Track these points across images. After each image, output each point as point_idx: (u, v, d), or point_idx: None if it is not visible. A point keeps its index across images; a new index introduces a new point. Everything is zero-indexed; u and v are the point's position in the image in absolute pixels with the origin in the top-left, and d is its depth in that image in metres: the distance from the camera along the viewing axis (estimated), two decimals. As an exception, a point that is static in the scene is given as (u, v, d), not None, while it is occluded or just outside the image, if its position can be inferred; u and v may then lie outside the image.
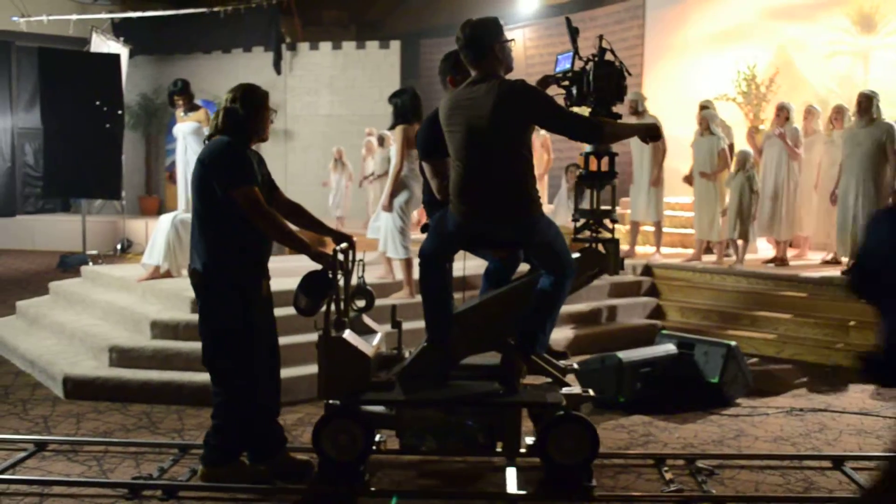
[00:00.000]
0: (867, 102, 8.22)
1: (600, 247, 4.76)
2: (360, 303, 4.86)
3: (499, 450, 4.42)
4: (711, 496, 4.38)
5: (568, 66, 4.71)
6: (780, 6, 12.35)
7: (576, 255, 4.68)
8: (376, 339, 4.68)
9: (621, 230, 11.06)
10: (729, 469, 4.80)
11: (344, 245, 4.47)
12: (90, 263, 10.97)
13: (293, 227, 4.43)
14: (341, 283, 4.38)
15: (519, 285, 4.65)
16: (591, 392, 4.66)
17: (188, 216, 7.91)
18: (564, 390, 4.45)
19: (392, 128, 7.52)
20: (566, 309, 8.31)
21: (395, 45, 17.57)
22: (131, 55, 16.18)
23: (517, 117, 4.23)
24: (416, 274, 7.24)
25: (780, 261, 9.11)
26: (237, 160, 4.23)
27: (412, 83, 15.22)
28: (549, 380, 4.55)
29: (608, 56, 4.63)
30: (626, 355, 6.02)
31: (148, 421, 5.56)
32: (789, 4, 12.26)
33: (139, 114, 18.21)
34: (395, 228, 7.41)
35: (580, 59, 4.65)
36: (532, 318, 4.44)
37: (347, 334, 4.34)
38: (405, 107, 7.21)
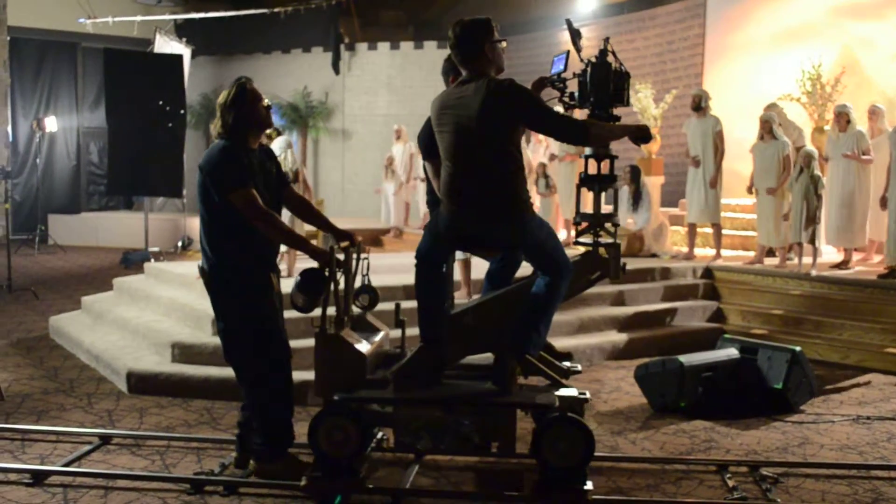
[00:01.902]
0: None
1: (602, 251, 4.72)
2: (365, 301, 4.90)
3: (494, 450, 4.40)
4: (776, 505, 4.29)
5: (562, 67, 4.67)
6: (847, 4, 12.06)
7: (576, 258, 4.67)
8: (378, 337, 4.70)
9: (680, 232, 10.95)
10: (794, 477, 4.70)
11: (345, 243, 4.52)
12: (152, 260, 11.17)
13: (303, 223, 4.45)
14: (342, 281, 4.42)
15: (516, 288, 4.63)
16: (587, 394, 4.60)
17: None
18: (559, 392, 4.40)
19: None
20: (624, 311, 8.26)
21: (453, 44, 17.54)
22: (193, 55, 16.45)
23: (505, 117, 4.20)
24: (474, 275, 7.28)
25: (847, 266, 8.88)
26: (231, 164, 4.27)
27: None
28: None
29: (612, 59, 4.59)
30: (687, 359, 5.93)
31: (209, 416, 5.63)
32: (857, 2, 11.98)
33: (200, 113, 18.49)
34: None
35: (581, 60, 4.61)
36: (526, 319, 4.41)
37: (345, 332, 4.37)
38: None
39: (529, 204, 4.34)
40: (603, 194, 4.68)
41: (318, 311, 4.31)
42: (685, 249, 10.19)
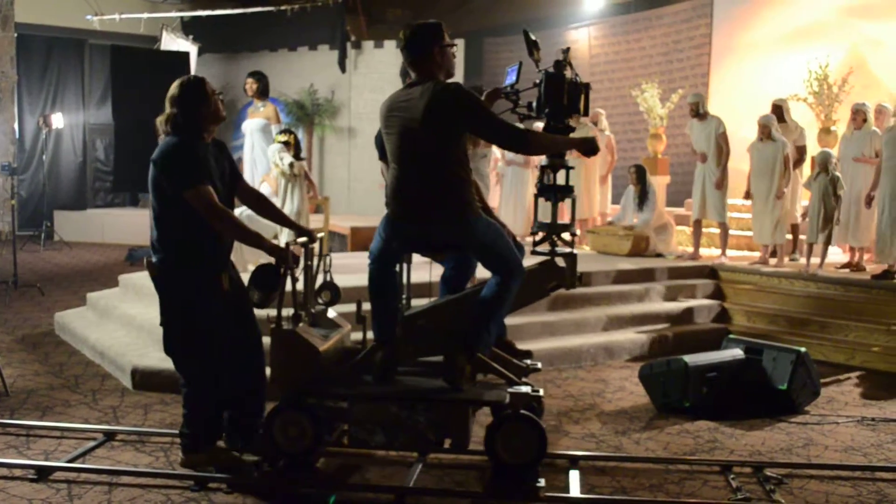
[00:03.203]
0: None
1: (559, 260, 4.76)
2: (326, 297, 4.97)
3: (447, 446, 4.43)
4: (780, 506, 4.29)
5: (514, 79, 4.73)
6: (856, 3, 12.01)
7: (534, 266, 4.74)
8: (339, 333, 4.73)
9: (685, 231, 10.94)
10: (798, 478, 4.69)
11: (303, 239, 4.56)
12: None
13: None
14: (300, 277, 4.49)
15: (470, 293, 4.68)
16: (541, 392, 4.62)
17: (248, 212, 8.01)
18: (511, 389, 4.41)
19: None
20: (628, 311, 8.25)
21: (459, 43, 17.53)
22: (200, 53, 16.44)
23: (449, 120, 4.23)
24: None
25: (855, 266, 8.86)
26: (186, 160, 4.26)
27: (476, 81, 15.20)
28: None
29: (569, 70, 4.64)
30: (692, 359, 5.93)
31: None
32: (867, 2, 11.92)
33: (206, 110, 18.47)
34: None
35: (538, 70, 4.63)
36: (476, 318, 4.45)
37: (301, 328, 4.40)
38: None
39: (475, 205, 4.39)
40: (560, 203, 4.74)
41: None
42: (690, 249, 10.18)
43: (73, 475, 4.47)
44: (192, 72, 14.54)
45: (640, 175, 10.41)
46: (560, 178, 4.76)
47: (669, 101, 12.05)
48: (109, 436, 5.08)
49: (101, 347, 6.91)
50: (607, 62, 15.57)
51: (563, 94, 4.55)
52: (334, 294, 4.99)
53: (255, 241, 4.37)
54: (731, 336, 6.74)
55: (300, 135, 17.59)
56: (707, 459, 4.97)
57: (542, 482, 4.25)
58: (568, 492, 4.36)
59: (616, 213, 10.87)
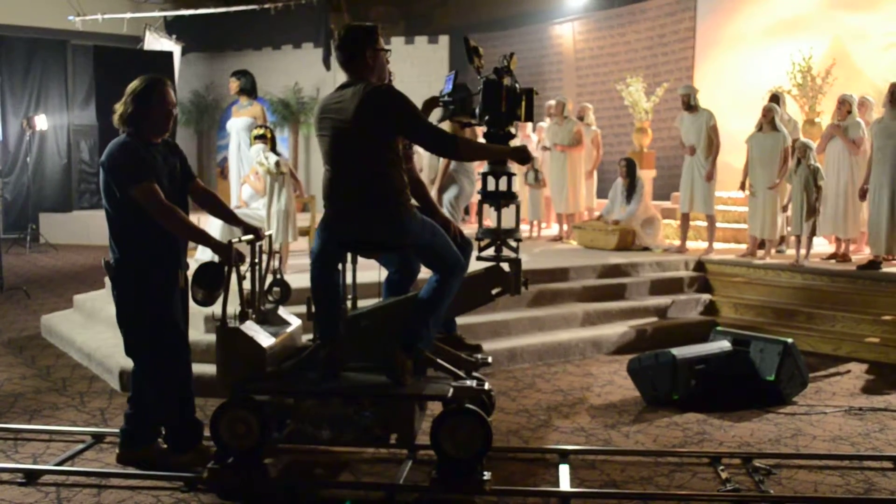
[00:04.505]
0: None
1: (504, 266, 4.80)
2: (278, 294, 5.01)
3: (393, 441, 4.46)
4: (769, 496, 4.31)
5: (449, 87, 4.76)
6: (839, -5, 12.09)
7: (479, 272, 4.79)
8: (289, 330, 4.77)
9: (672, 225, 10.97)
10: (787, 469, 4.72)
11: (249, 237, 4.60)
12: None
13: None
14: (247, 275, 4.53)
15: (413, 295, 4.70)
16: (487, 386, 4.64)
17: (241, 211, 7.99)
18: (455, 383, 4.43)
19: (440, 122, 7.50)
20: (616, 305, 8.27)
21: (444, 39, 17.56)
22: (183, 52, 16.39)
23: (379, 121, 4.24)
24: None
25: (841, 257, 8.90)
26: (131, 159, 4.30)
27: (462, 78, 15.15)
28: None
29: (508, 78, 4.65)
30: (680, 352, 5.95)
31: (201, 414, 5.58)
32: (850, -6, 12.00)
33: (191, 110, 18.42)
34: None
35: (479, 77, 4.65)
36: (415, 315, 4.49)
37: (246, 325, 4.43)
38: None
39: (409, 205, 4.40)
40: (504, 210, 4.75)
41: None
42: (677, 242, 10.21)
43: (61, 478, 4.45)
44: (176, 71, 14.51)
45: (630, 168, 10.44)
46: (503, 184, 4.79)
47: (654, 95, 12.07)
48: (98, 438, 5.06)
49: (88, 349, 6.88)
50: (592, 57, 15.59)
51: (502, 101, 4.57)
52: (285, 291, 5.03)
53: (202, 238, 4.45)
54: (719, 328, 6.77)
55: (286, 133, 17.60)
56: (696, 451, 4.99)
57: (487, 475, 4.27)
58: (558, 486, 4.37)
59: (604, 207, 10.89)
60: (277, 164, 7.82)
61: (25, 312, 9.14)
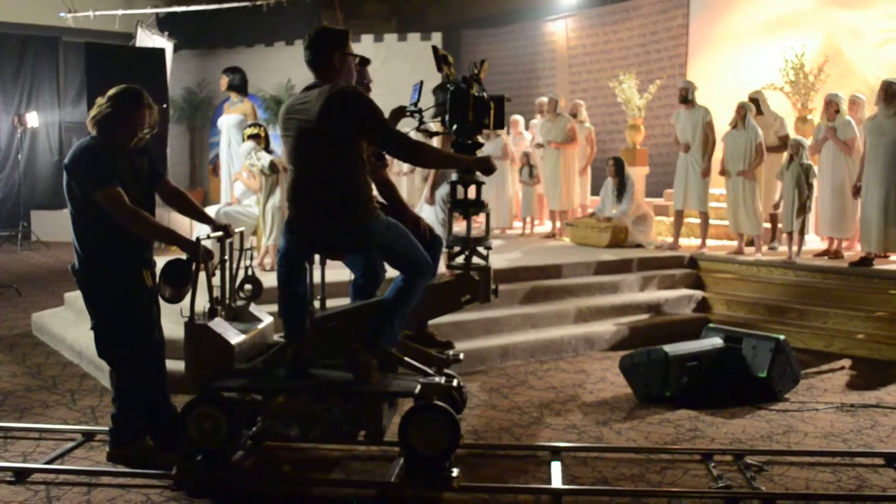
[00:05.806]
0: (893, 90, 7.98)
1: (473, 273, 4.81)
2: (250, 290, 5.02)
3: (361, 438, 4.46)
4: (761, 493, 4.30)
5: (416, 97, 4.78)
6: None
7: (450, 278, 4.81)
8: (259, 327, 4.76)
9: (665, 222, 10.97)
10: (778, 465, 4.72)
11: (218, 234, 4.61)
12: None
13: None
14: (216, 272, 4.55)
15: (381, 299, 4.70)
16: (455, 382, 4.64)
17: (233, 208, 7.97)
18: (422, 380, 4.44)
19: (413, 131, 7.51)
20: (609, 301, 8.27)
21: (437, 36, 17.54)
22: (175, 49, 16.30)
23: (343, 122, 4.23)
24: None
25: (834, 254, 8.91)
26: (94, 162, 4.31)
27: (456, 74, 15.14)
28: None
29: (477, 86, 4.68)
30: (672, 349, 5.95)
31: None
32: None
33: (183, 107, 18.38)
34: (438, 221, 7.39)
35: (448, 86, 4.66)
36: (380, 314, 4.49)
37: (215, 322, 4.42)
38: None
39: (372, 207, 4.39)
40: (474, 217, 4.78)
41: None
42: (670, 239, 10.21)
43: (51, 476, 4.43)
44: (169, 68, 14.44)
45: (619, 167, 10.45)
46: (472, 192, 4.79)
47: (647, 92, 12.07)
48: (88, 436, 5.04)
49: (79, 347, 6.85)
50: (585, 54, 15.58)
51: (469, 110, 4.57)
52: (256, 288, 5.03)
53: (169, 237, 4.45)
54: (711, 325, 6.77)
55: (279, 131, 17.57)
56: (688, 448, 4.99)
57: (455, 472, 4.27)
58: (550, 483, 4.36)
59: (596, 206, 10.89)
60: (272, 163, 7.79)
61: (16, 310, 9.10)
